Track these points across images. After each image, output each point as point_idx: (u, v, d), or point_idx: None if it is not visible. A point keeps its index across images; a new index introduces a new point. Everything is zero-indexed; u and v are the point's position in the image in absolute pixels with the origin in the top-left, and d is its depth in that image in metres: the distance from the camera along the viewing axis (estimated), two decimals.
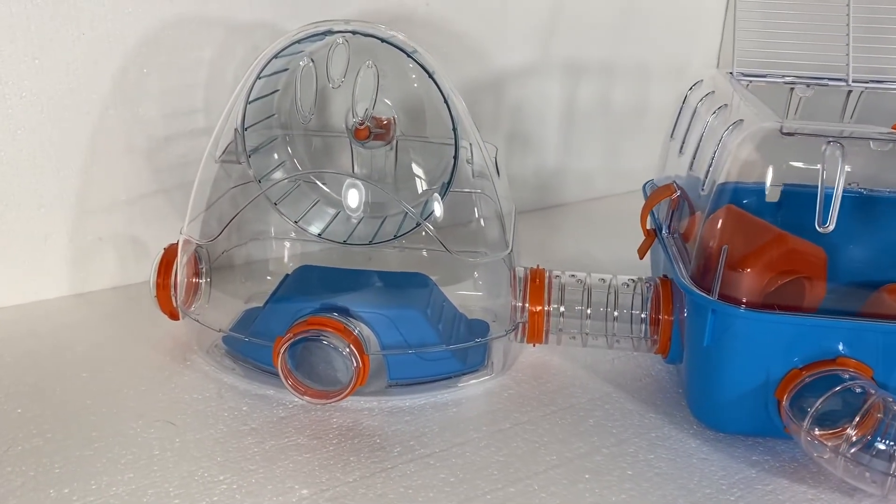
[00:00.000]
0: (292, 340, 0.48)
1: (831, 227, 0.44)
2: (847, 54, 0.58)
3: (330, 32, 0.51)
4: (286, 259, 0.64)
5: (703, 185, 0.48)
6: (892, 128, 0.47)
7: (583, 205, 0.91)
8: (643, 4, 0.88)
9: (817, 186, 0.57)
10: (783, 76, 0.59)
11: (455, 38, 0.78)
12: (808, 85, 0.59)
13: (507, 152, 0.85)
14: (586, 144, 0.90)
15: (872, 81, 0.58)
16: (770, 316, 0.45)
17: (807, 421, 0.44)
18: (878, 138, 0.46)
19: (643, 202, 0.59)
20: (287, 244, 0.65)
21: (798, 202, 0.58)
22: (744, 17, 0.59)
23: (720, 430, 0.50)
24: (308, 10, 0.66)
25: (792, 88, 0.59)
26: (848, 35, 0.59)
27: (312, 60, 0.52)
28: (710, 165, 0.48)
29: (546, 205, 0.89)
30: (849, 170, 0.43)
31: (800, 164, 0.46)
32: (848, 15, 0.59)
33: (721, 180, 0.46)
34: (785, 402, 0.46)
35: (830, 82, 0.58)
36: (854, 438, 0.42)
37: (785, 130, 0.46)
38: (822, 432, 0.44)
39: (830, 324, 0.44)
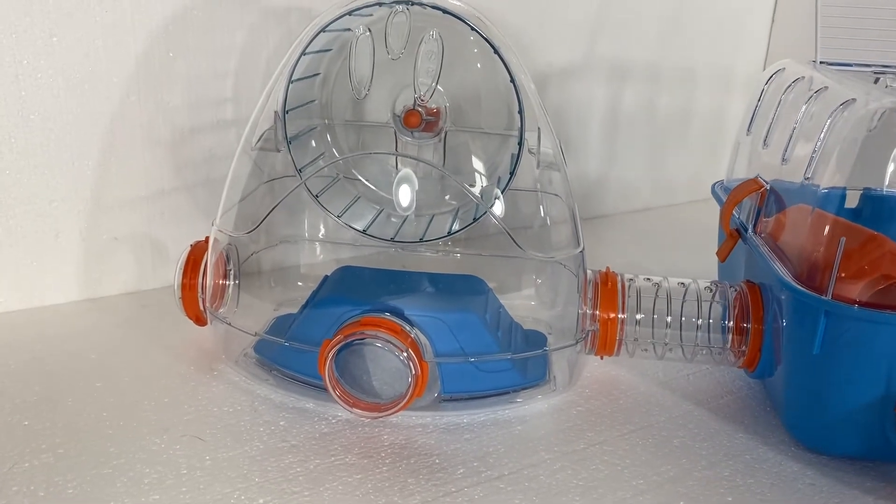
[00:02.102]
0: (343, 343, 0.42)
1: None
2: None
3: (385, 2, 0.46)
4: (319, 264, 0.59)
5: (808, 173, 0.43)
6: None
7: (626, 216, 0.86)
8: (688, 7, 0.84)
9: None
10: (869, 66, 0.54)
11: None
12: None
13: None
14: (629, 153, 0.85)
15: None
16: (894, 317, 0.39)
17: None
18: None
19: (693, 207, 0.53)
20: (319, 247, 0.59)
21: (880, 208, 0.53)
22: (826, 2, 0.54)
23: (824, 453, 0.44)
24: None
25: (877, 79, 0.54)
26: None
27: (370, 29, 0.47)
28: (815, 152, 0.43)
29: (587, 215, 0.84)
30: None
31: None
32: None
33: (833, 166, 0.41)
34: None
35: None
36: None
37: None
38: None
39: None
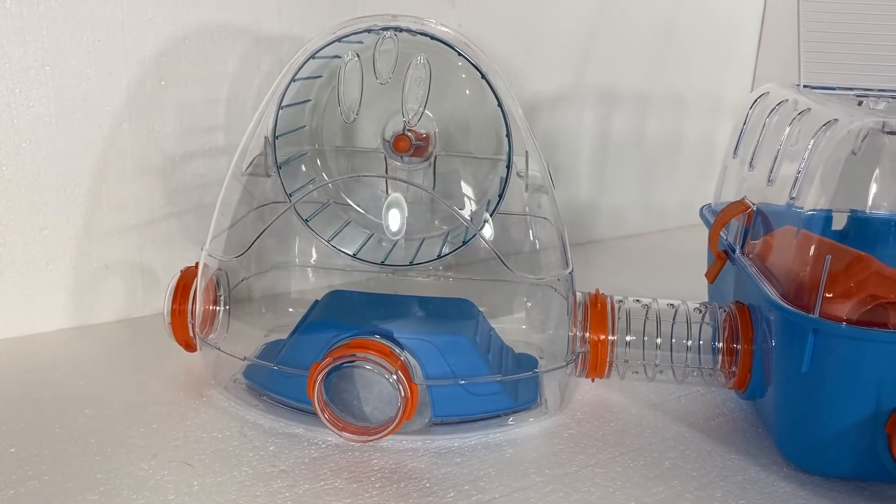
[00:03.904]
0: (332, 366, 0.42)
1: None
2: None
3: (374, 29, 0.47)
4: (310, 290, 0.59)
5: (793, 194, 0.43)
6: None
7: (616, 242, 0.86)
8: (676, 34, 0.85)
9: (882, 214, 0.53)
10: (853, 88, 0.55)
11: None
12: (879, 98, 0.54)
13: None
14: (619, 179, 0.85)
15: None
16: (882, 335, 0.39)
17: None
18: None
19: (684, 232, 0.54)
20: (311, 273, 0.59)
21: (865, 230, 0.54)
22: (808, 27, 0.55)
23: (816, 473, 0.44)
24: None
25: (860, 102, 0.55)
26: None
27: (358, 55, 0.47)
28: (799, 172, 0.43)
29: (578, 241, 0.84)
30: None
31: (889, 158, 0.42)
32: None
33: (817, 186, 0.42)
34: None
35: None
36: None
37: (888, 129, 0.41)
38: None
39: None
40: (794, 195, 0.43)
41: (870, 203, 0.44)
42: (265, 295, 0.59)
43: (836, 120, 0.42)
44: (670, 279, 0.73)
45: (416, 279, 0.55)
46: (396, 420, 0.42)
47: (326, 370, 0.42)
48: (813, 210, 0.43)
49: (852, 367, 0.40)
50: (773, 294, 0.43)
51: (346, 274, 0.58)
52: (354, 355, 0.42)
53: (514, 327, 0.56)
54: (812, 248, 0.42)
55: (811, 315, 0.40)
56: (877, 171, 0.43)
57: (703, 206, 0.60)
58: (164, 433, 0.46)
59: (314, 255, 0.58)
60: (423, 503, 0.40)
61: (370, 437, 0.43)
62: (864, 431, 0.41)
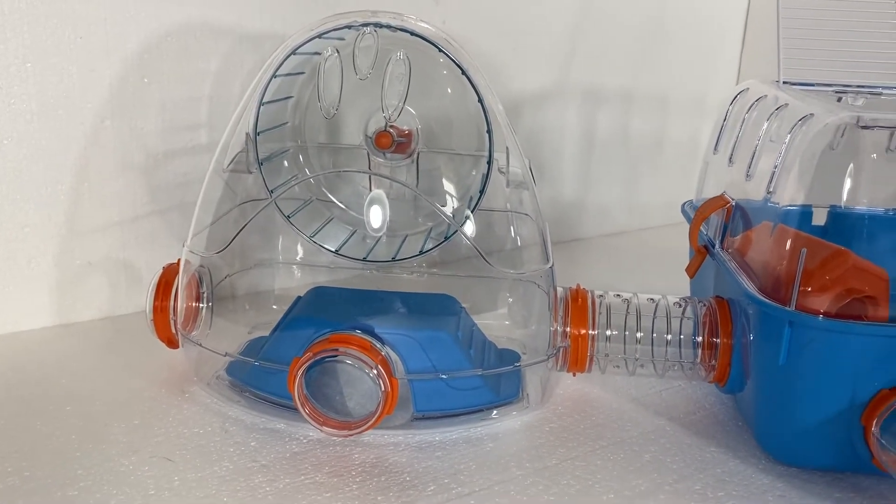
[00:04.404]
0: (312, 360, 0.42)
1: None
2: None
3: (354, 25, 0.47)
4: (294, 287, 0.59)
5: (770, 188, 0.44)
6: None
7: (601, 240, 0.87)
8: (660, 33, 0.86)
9: (864, 208, 0.54)
10: (831, 84, 0.55)
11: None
12: (857, 94, 0.55)
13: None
14: (604, 177, 0.86)
15: None
16: (857, 327, 0.40)
17: None
18: None
19: (669, 230, 0.54)
20: (295, 270, 0.59)
21: (845, 225, 0.54)
22: (787, 24, 0.55)
23: (794, 465, 0.44)
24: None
25: (840, 98, 0.55)
26: None
27: (338, 51, 0.48)
28: (776, 167, 0.44)
29: (563, 239, 0.85)
30: None
31: (871, 154, 0.42)
32: None
33: (793, 180, 0.42)
34: (874, 429, 0.40)
35: (885, 91, 0.54)
36: None
37: (863, 123, 0.41)
38: None
39: None
40: (771, 189, 0.44)
41: (844, 198, 0.45)
42: (249, 292, 0.59)
43: (812, 115, 0.43)
44: (655, 276, 0.73)
45: (400, 276, 0.56)
46: (377, 414, 0.42)
47: (307, 365, 0.42)
48: (789, 204, 0.43)
49: (828, 359, 0.41)
50: (750, 287, 0.43)
51: (330, 271, 0.58)
52: (335, 350, 0.42)
53: (497, 323, 0.56)
54: (788, 241, 0.42)
55: (787, 308, 0.41)
56: (851, 165, 0.43)
57: (685, 203, 0.61)
58: (146, 429, 0.46)
59: (300, 253, 0.58)
60: (403, 496, 0.41)
61: (351, 432, 0.43)
62: (840, 423, 0.41)
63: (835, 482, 0.43)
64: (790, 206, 0.43)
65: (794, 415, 0.42)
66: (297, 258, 0.58)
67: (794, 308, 0.41)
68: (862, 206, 0.52)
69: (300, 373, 0.42)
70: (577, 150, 0.84)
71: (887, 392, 0.40)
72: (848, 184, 0.43)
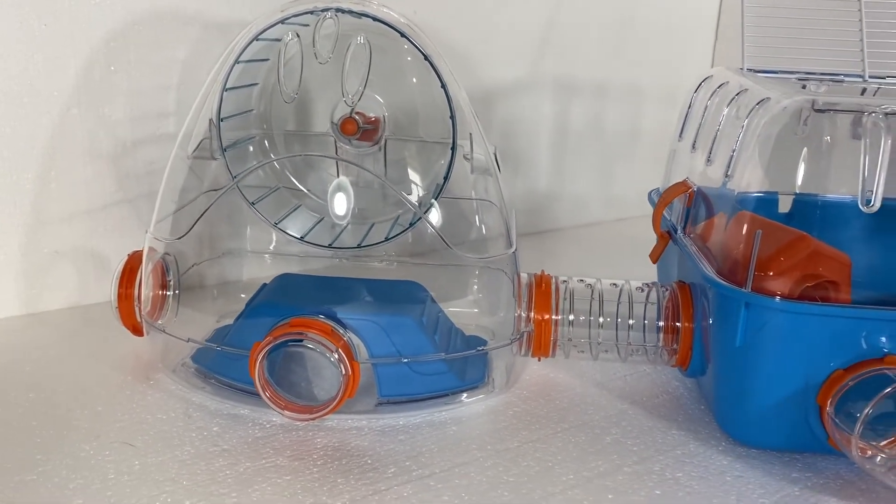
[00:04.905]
0: (272, 345, 0.42)
1: (877, 206, 0.39)
2: (861, 49, 0.55)
3: (316, 10, 0.47)
4: (264, 277, 0.59)
5: (728, 173, 0.44)
6: None
7: (577, 230, 0.87)
8: (635, 24, 0.86)
9: (830, 196, 0.54)
10: (795, 72, 0.56)
11: (442, 48, 0.74)
12: (821, 81, 0.55)
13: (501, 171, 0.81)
14: (579, 168, 0.86)
15: (889, 77, 0.55)
16: (812, 308, 0.40)
17: (857, 427, 0.39)
18: None
19: (643, 221, 0.54)
20: (267, 259, 0.59)
21: (807, 212, 0.55)
22: (752, 11, 0.56)
23: (753, 446, 0.45)
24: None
25: (804, 85, 0.56)
26: (861, 30, 0.56)
27: (298, 35, 0.48)
28: (734, 151, 0.44)
29: (537, 229, 0.85)
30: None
31: (836, 141, 0.42)
32: (860, 10, 0.56)
33: (751, 163, 0.42)
34: (829, 409, 0.41)
35: (846, 78, 0.55)
36: None
37: (818, 106, 0.42)
38: (875, 441, 0.39)
39: (879, 315, 0.40)
40: (729, 172, 0.44)
41: (798, 182, 0.45)
42: (218, 281, 0.59)
43: (767, 98, 0.43)
44: (629, 265, 0.73)
45: (371, 265, 0.56)
46: (338, 398, 0.43)
47: (267, 349, 0.42)
48: (747, 188, 0.43)
49: (784, 340, 0.41)
50: (708, 271, 0.44)
51: (302, 260, 0.58)
52: (296, 334, 0.42)
53: (467, 311, 0.56)
54: (745, 225, 0.43)
55: (743, 290, 0.41)
56: (805, 150, 0.43)
57: (652, 191, 0.61)
58: (108, 415, 0.46)
59: (273, 242, 0.58)
60: (363, 479, 0.41)
61: (313, 416, 0.43)
62: (797, 404, 0.42)
63: (792, 462, 0.44)
64: (748, 190, 0.43)
65: (751, 396, 0.43)
66: (272, 247, 0.58)
67: (750, 290, 0.41)
68: (831, 194, 0.52)
69: (260, 357, 0.43)
70: (551, 141, 0.84)
71: (842, 372, 0.41)
72: (802, 168, 0.44)
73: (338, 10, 0.46)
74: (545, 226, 0.86)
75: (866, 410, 0.39)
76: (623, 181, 0.89)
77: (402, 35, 0.47)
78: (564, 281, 0.50)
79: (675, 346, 0.48)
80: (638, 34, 0.87)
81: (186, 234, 0.49)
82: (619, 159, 0.88)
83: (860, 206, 0.39)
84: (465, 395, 0.49)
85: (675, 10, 0.89)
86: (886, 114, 0.39)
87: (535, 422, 0.47)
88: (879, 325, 0.40)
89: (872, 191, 0.39)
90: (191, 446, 0.43)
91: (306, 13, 0.47)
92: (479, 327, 0.55)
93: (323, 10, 0.46)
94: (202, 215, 0.48)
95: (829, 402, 0.40)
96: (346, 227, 0.53)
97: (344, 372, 0.42)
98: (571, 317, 0.49)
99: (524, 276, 0.51)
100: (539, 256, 0.79)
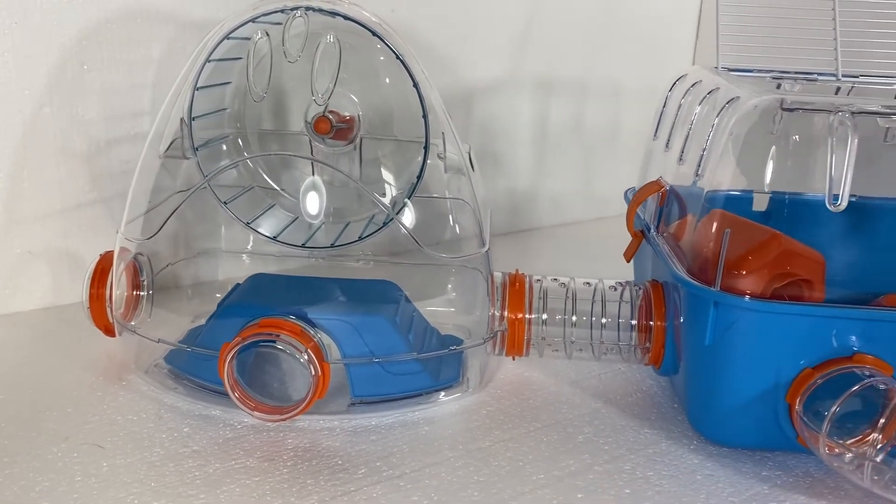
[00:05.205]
0: (241, 345, 0.42)
1: (843, 205, 0.39)
2: (835, 49, 0.56)
3: (286, 9, 0.47)
4: (240, 277, 0.58)
5: (699, 171, 0.44)
6: None
7: (557, 229, 0.87)
8: (616, 22, 0.86)
9: (803, 194, 0.54)
10: (769, 71, 0.56)
11: (421, 48, 0.74)
12: (795, 80, 0.56)
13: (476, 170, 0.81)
14: (559, 167, 0.86)
15: (862, 76, 0.55)
16: (780, 307, 0.40)
17: (825, 425, 0.39)
18: (887, 112, 0.42)
19: (623, 220, 0.54)
20: (245, 259, 0.59)
21: (786, 210, 0.55)
22: (726, 11, 0.56)
23: (724, 444, 0.45)
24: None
25: (779, 84, 0.56)
26: (835, 29, 0.56)
27: (267, 34, 0.47)
28: (704, 149, 0.44)
29: (517, 228, 0.85)
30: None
31: (804, 139, 0.43)
32: (834, 10, 0.56)
33: (719, 163, 0.42)
34: (798, 407, 0.41)
35: (820, 77, 0.55)
36: (881, 444, 0.38)
37: (786, 105, 0.42)
38: (842, 439, 0.39)
39: (847, 314, 0.40)
40: (700, 172, 0.44)
41: (767, 181, 0.45)
42: (194, 282, 0.59)
43: (737, 97, 0.43)
44: (608, 265, 0.73)
45: (348, 264, 0.56)
46: (307, 399, 0.42)
47: (236, 349, 0.42)
48: (717, 185, 0.43)
49: (753, 339, 0.41)
50: (679, 270, 0.44)
51: (279, 260, 0.58)
52: (264, 335, 0.42)
53: (444, 310, 0.56)
54: (714, 223, 0.43)
55: (712, 288, 0.41)
56: (773, 148, 0.43)
57: (628, 189, 0.61)
58: (78, 417, 0.45)
59: (250, 242, 0.58)
60: (333, 480, 0.41)
61: (283, 416, 0.43)
62: (767, 402, 0.42)
63: (763, 461, 0.44)
64: (717, 188, 0.43)
65: (722, 395, 0.43)
66: (248, 247, 0.58)
67: (718, 289, 0.41)
68: (808, 192, 0.53)
69: (229, 357, 0.42)
70: (531, 140, 0.84)
71: (810, 371, 0.41)
72: (771, 167, 0.44)
73: (308, 8, 0.46)
74: (525, 225, 0.86)
75: (834, 409, 0.39)
76: (603, 180, 0.89)
77: (374, 34, 0.47)
78: (538, 280, 0.50)
79: (647, 344, 0.48)
80: (618, 32, 0.87)
81: (156, 234, 0.49)
82: (599, 158, 0.88)
83: (827, 205, 0.40)
84: (439, 394, 0.49)
85: (656, 8, 0.89)
86: (853, 113, 0.40)
87: (508, 421, 0.47)
88: (848, 323, 0.40)
89: (840, 189, 0.39)
90: (161, 447, 0.43)
91: (277, 11, 0.47)
92: (455, 326, 0.55)
93: (293, 9, 0.46)
94: (171, 214, 0.48)
95: (798, 400, 0.41)
96: (320, 226, 0.53)
97: (313, 373, 0.42)
98: (545, 316, 0.49)
99: (498, 275, 0.50)
100: (519, 256, 0.79)
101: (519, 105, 0.82)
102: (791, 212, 0.54)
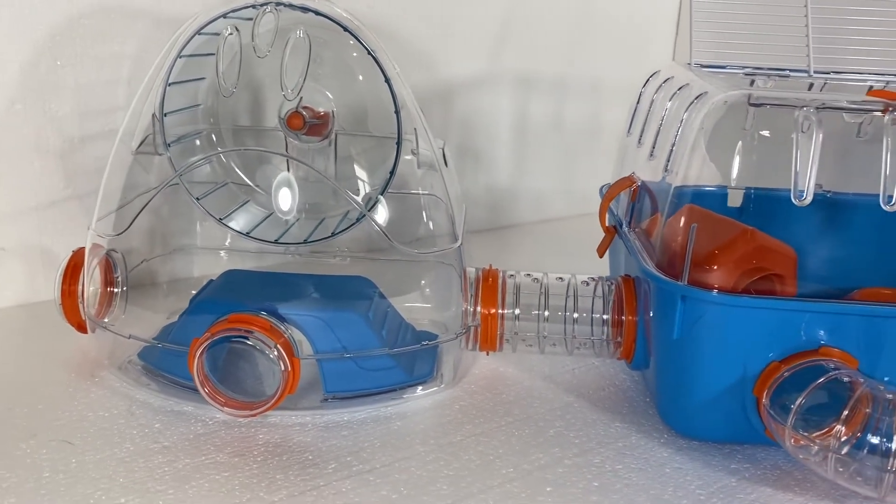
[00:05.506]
0: (210, 341, 0.42)
1: (808, 200, 0.40)
2: (807, 45, 0.56)
3: (257, 5, 0.47)
4: (216, 273, 0.58)
5: (668, 167, 0.44)
6: (868, 94, 0.44)
7: (536, 226, 0.87)
8: (596, 19, 0.86)
9: (779, 189, 0.55)
10: (742, 67, 0.56)
11: (399, 44, 0.74)
12: (768, 76, 0.56)
13: (457, 168, 0.81)
14: (540, 163, 0.86)
15: (834, 72, 0.56)
16: (746, 300, 0.41)
17: (791, 418, 0.39)
18: (852, 108, 0.43)
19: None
20: (222, 254, 0.59)
21: (760, 207, 0.55)
22: (700, 7, 0.56)
23: (694, 438, 0.45)
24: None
25: (752, 80, 0.56)
26: (807, 26, 0.56)
27: (237, 29, 0.47)
28: (673, 145, 0.44)
29: (498, 225, 0.85)
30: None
31: (771, 135, 0.43)
32: (806, 6, 0.57)
33: (687, 158, 0.43)
34: (765, 400, 0.41)
35: (792, 73, 0.55)
36: (844, 436, 0.38)
37: (753, 101, 0.42)
38: (808, 431, 0.39)
39: (813, 307, 0.40)
40: (668, 167, 0.44)
41: (734, 175, 0.45)
42: (171, 278, 0.59)
43: (705, 93, 0.44)
44: (588, 261, 0.74)
45: (326, 260, 0.56)
46: (277, 394, 0.42)
47: (205, 345, 0.42)
48: (685, 181, 0.44)
49: (720, 332, 0.41)
50: (648, 264, 0.44)
51: (258, 257, 0.58)
52: (234, 330, 0.42)
53: (419, 305, 0.56)
54: (682, 218, 0.43)
55: (679, 283, 0.41)
56: (739, 143, 0.44)
57: (603, 186, 0.61)
58: (49, 413, 0.45)
59: (228, 238, 0.58)
60: (302, 475, 0.41)
61: (253, 412, 0.43)
62: (735, 396, 0.42)
63: (732, 454, 0.44)
64: (685, 184, 0.44)
65: (690, 388, 0.43)
66: (226, 244, 0.58)
67: (686, 283, 0.41)
68: (783, 188, 0.53)
69: (198, 353, 0.42)
70: (511, 137, 0.84)
71: (777, 364, 0.41)
72: (737, 161, 0.44)
73: (279, 3, 0.46)
74: (506, 221, 0.86)
75: (799, 401, 0.39)
76: (583, 176, 0.89)
77: (346, 30, 0.47)
78: (511, 275, 0.50)
79: (619, 339, 0.49)
80: (598, 29, 0.87)
81: (126, 230, 0.49)
82: (579, 155, 0.88)
83: (793, 199, 0.40)
84: (413, 390, 0.49)
85: (636, 4, 0.90)
86: (818, 108, 0.40)
87: (480, 415, 0.47)
88: (814, 317, 0.41)
89: (805, 184, 0.39)
90: (131, 443, 0.43)
91: (248, 7, 0.47)
92: (431, 322, 0.55)
93: (263, 4, 0.46)
94: (141, 210, 0.48)
95: (765, 393, 0.41)
96: (294, 222, 0.53)
97: (283, 368, 0.42)
98: (518, 311, 0.49)
99: (471, 270, 0.51)
100: (499, 252, 0.79)
101: (499, 102, 0.82)
102: (765, 207, 0.55)
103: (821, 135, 0.39)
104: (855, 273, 0.54)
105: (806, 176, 0.39)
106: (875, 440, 0.37)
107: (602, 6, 0.87)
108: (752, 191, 0.55)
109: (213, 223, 0.52)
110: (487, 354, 0.52)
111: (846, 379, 0.39)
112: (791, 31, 0.57)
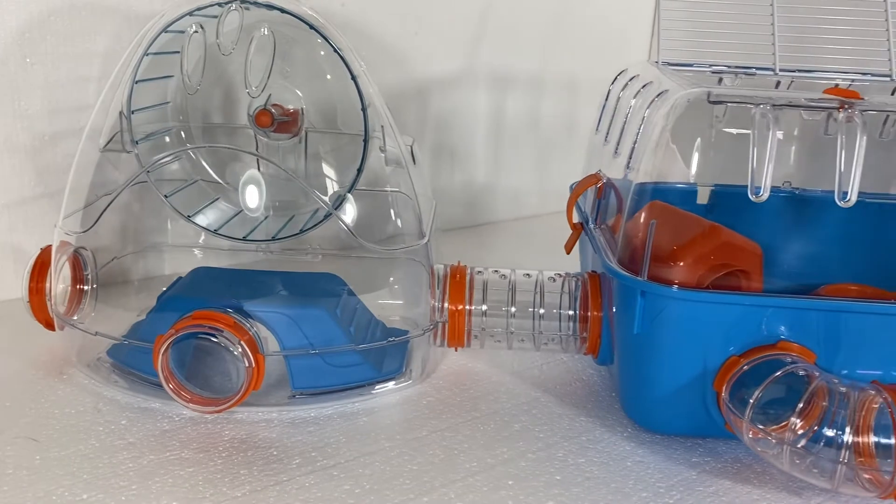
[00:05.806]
0: (175, 337, 0.42)
1: (765, 196, 0.40)
2: (773, 44, 0.57)
3: (223, 2, 0.47)
4: (187, 270, 0.59)
5: (630, 164, 0.45)
6: (825, 92, 0.44)
7: (513, 223, 0.88)
8: (573, 17, 0.87)
9: (746, 186, 0.55)
10: (710, 66, 0.57)
11: (373, 42, 0.74)
12: (735, 75, 0.57)
13: (433, 166, 0.81)
14: (516, 160, 0.87)
15: (799, 71, 0.56)
16: (705, 295, 0.41)
17: (748, 411, 0.40)
18: (809, 106, 0.43)
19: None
20: (195, 252, 0.59)
21: (728, 204, 0.56)
22: (667, 6, 0.57)
23: (656, 431, 0.46)
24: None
25: (720, 79, 0.57)
26: (773, 24, 0.57)
27: (202, 27, 0.47)
28: (635, 142, 0.45)
29: (475, 222, 0.85)
30: (780, 137, 0.40)
31: (730, 131, 0.43)
32: (772, 5, 0.57)
33: (648, 155, 0.43)
34: (724, 394, 0.41)
35: (758, 71, 0.56)
36: (801, 430, 0.39)
37: (713, 98, 0.43)
38: (765, 425, 0.40)
39: (771, 302, 0.41)
40: (630, 164, 0.45)
41: (693, 171, 0.46)
42: (143, 276, 0.59)
43: (667, 90, 0.44)
44: (562, 258, 0.74)
45: (298, 258, 0.56)
46: (241, 391, 0.43)
47: (170, 342, 0.42)
48: (646, 178, 0.44)
49: (680, 327, 0.42)
50: (611, 260, 0.45)
51: (232, 254, 0.58)
52: (197, 327, 0.42)
53: (389, 302, 0.56)
54: (644, 214, 0.44)
55: (639, 278, 0.42)
56: (698, 140, 0.44)
57: (573, 183, 0.62)
58: (14, 410, 0.45)
59: (202, 236, 0.58)
60: (266, 470, 0.41)
61: (218, 408, 0.43)
62: (695, 390, 0.43)
63: (693, 447, 0.45)
64: (646, 181, 0.44)
65: (652, 382, 0.44)
66: (199, 241, 0.58)
67: (646, 279, 0.42)
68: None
69: (163, 349, 0.42)
70: (487, 134, 0.84)
71: (736, 358, 0.42)
72: (696, 158, 0.45)
73: (244, 1, 0.46)
74: (482, 219, 0.86)
75: (756, 394, 0.40)
76: (558, 174, 0.89)
77: (311, 27, 0.47)
78: (479, 272, 0.51)
79: (585, 334, 0.49)
80: (574, 27, 0.87)
81: (92, 227, 0.49)
82: (555, 152, 0.89)
83: (749, 196, 0.40)
84: (381, 385, 0.49)
85: (612, 3, 0.90)
86: (774, 105, 0.40)
87: (447, 411, 0.47)
88: (773, 312, 0.41)
89: (761, 181, 0.40)
90: (96, 440, 0.43)
91: (214, 5, 0.47)
92: (403, 319, 0.55)
93: (228, 3, 0.46)
94: (107, 208, 0.48)
95: (724, 387, 0.41)
96: (263, 219, 0.53)
97: (247, 365, 0.42)
98: (485, 307, 0.49)
99: (440, 267, 0.51)
100: (474, 249, 0.79)
101: (475, 99, 0.82)
102: (733, 204, 0.55)
103: (777, 132, 0.40)
104: (823, 269, 0.55)
105: (762, 172, 0.39)
106: (830, 433, 0.38)
107: (578, 4, 0.87)
108: (720, 188, 0.55)
109: (186, 223, 0.52)
110: (456, 350, 0.52)
111: (802, 372, 0.40)
112: (757, 31, 0.58)
